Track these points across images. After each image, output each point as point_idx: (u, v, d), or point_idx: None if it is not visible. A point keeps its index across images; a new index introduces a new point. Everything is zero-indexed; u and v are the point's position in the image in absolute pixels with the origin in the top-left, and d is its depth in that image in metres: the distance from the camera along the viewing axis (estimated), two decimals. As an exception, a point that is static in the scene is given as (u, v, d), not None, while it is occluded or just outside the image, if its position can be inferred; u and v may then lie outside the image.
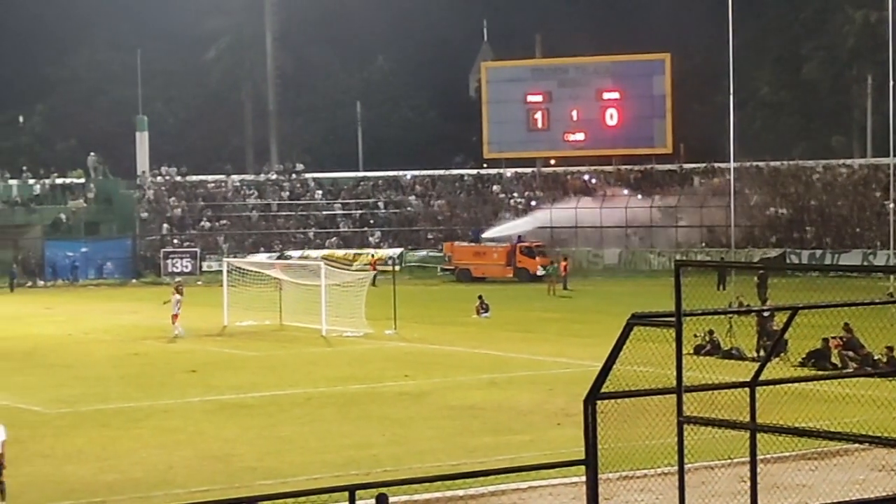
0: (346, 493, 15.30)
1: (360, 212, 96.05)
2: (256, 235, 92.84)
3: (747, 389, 16.69)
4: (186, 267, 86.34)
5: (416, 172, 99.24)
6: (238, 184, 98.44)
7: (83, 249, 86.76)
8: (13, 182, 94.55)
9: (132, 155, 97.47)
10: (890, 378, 33.92)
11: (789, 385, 20.06)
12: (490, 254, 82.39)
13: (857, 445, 21.30)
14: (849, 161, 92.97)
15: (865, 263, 78.86)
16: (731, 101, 64.90)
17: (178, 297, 52.46)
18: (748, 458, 16.74)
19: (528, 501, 22.82)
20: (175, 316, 51.89)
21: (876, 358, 38.02)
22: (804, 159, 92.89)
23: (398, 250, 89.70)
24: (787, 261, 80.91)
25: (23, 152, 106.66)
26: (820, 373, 35.17)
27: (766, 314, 40.57)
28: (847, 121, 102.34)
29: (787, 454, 23.86)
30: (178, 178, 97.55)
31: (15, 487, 23.91)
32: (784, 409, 21.48)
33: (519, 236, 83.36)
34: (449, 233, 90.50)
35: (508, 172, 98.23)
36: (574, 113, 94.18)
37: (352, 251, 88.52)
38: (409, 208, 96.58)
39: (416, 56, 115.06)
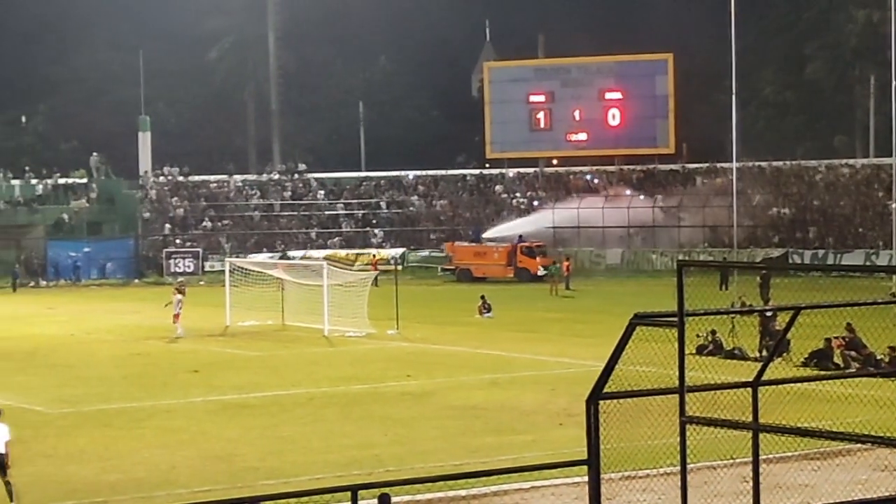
0: (349, 493, 15.31)
1: (362, 212, 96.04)
2: (259, 235, 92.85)
3: (750, 389, 16.69)
4: (189, 267, 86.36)
5: (419, 172, 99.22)
6: (240, 184, 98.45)
7: (86, 249, 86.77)
8: (16, 182, 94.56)
9: (135, 155, 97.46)
10: (892, 378, 33.89)
11: (792, 385, 20.07)
12: (491, 254, 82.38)
13: (859, 445, 21.31)
14: (851, 161, 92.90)
15: (868, 263, 78.81)
16: (733, 100, 65.06)
17: (179, 297, 52.43)
18: (751, 458, 16.74)
19: (531, 501, 22.81)
20: (176, 316, 51.86)
21: (878, 358, 38.02)
22: (807, 159, 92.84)
23: (400, 250, 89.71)
24: (790, 261, 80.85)
25: (25, 152, 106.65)
26: (822, 373, 35.13)
27: (768, 314, 40.53)
28: (850, 120, 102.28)
29: (789, 454, 23.85)
30: (181, 178, 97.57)
31: (17, 487, 23.94)
32: (786, 410, 21.47)
33: (520, 236, 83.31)
34: (451, 233, 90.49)
35: (511, 172, 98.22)
36: (577, 113, 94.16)
37: (353, 251, 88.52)
38: (411, 208, 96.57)
39: (418, 56, 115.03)
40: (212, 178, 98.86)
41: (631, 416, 16.89)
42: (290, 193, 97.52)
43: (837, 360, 39.29)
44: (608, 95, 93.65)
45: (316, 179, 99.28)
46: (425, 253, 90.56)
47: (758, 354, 40.22)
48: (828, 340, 39.37)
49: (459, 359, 44.78)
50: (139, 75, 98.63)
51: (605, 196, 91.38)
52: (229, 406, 35.45)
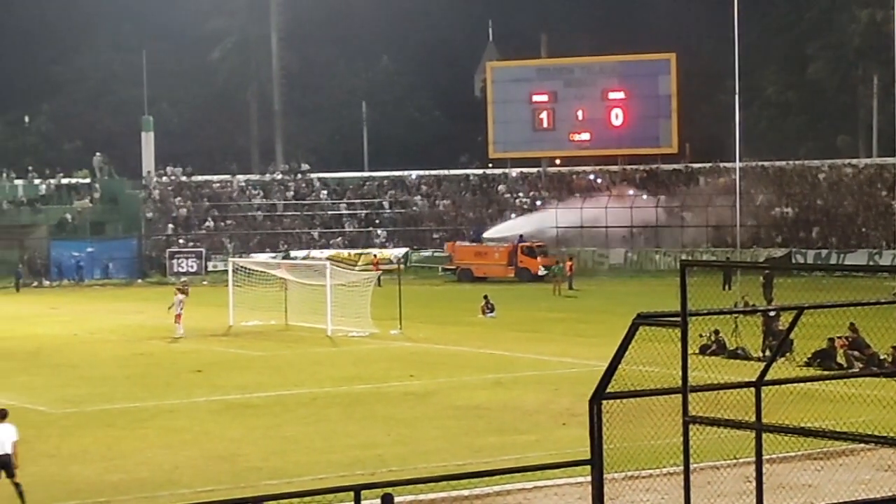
0: (352, 493, 15.31)
1: (365, 212, 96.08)
2: (262, 235, 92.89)
3: (753, 389, 16.68)
4: (192, 267, 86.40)
5: (422, 172, 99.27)
6: (243, 184, 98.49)
7: (89, 249, 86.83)
8: (19, 182, 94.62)
9: (138, 155, 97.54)
10: (896, 378, 33.86)
11: (795, 385, 20.05)
12: (491, 254, 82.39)
13: (862, 445, 21.29)
14: (854, 161, 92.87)
15: (871, 263, 78.80)
16: (736, 100, 65.03)
17: (181, 297, 52.41)
18: (754, 458, 16.74)
19: (534, 501, 22.81)
20: (178, 316, 51.81)
21: (882, 358, 37.99)
22: (810, 159, 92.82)
23: (403, 250, 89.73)
24: (793, 260, 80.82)
25: (28, 152, 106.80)
26: (825, 373, 35.11)
27: (771, 314, 40.53)
28: (853, 120, 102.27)
29: (792, 454, 23.83)
30: (184, 178, 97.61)
31: (23, 488, 23.94)
32: (790, 409, 21.44)
33: (520, 236, 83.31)
34: (454, 233, 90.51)
35: (514, 172, 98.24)
36: (579, 113, 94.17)
37: (355, 251, 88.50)
38: (414, 208, 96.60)
39: (421, 56, 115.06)
40: (215, 178, 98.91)
41: (634, 416, 16.89)
42: (292, 193, 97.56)
43: (841, 360, 39.26)
44: (611, 95, 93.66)
45: (319, 179, 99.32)
46: (428, 253, 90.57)
47: (761, 354, 40.20)
48: (831, 340, 39.33)
49: (462, 359, 44.77)
50: (142, 75, 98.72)
51: (608, 196, 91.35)
52: (232, 406, 35.45)
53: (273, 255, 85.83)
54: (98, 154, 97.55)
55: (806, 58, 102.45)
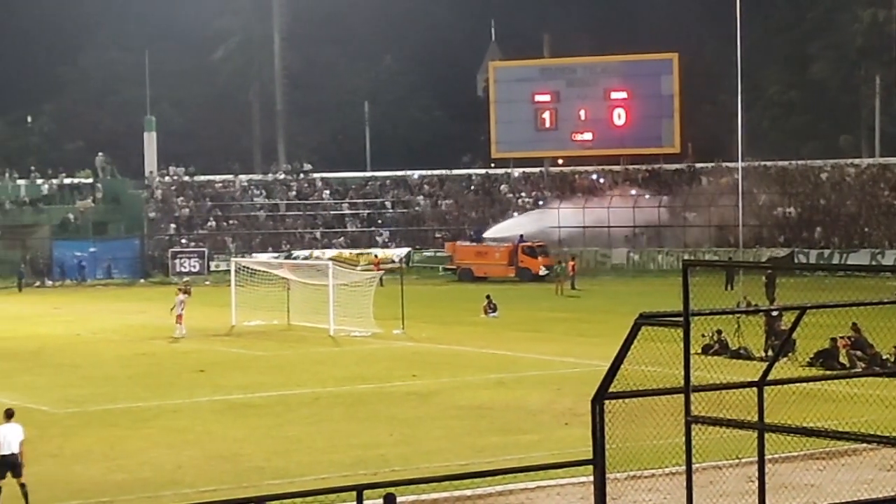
0: (354, 493, 15.32)
1: (367, 211, 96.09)
2: (264, 235, 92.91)
3: (755, 389, 16.69)
4: (194, 267, 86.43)
5: (424, 172, 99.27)
6: (246, 184, 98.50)
7: (91, 249, 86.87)
8: (21, 182, 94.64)
9: (140, 155, 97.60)
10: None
11: (797, 385, 20.07)
12: (492, 253, 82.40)
13: (865, 445, 21.29)
14: (857, 160, 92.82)
15: (873, 263, 78.75)
16: (739, 100, 64.88)
17: (182, 297, 52.40)
18: (756, 458, 16.75)
19: (536, 501, 22.81)
20: (179, 317, 51.78)
21: (884, 357, 37.98)
22: (812, 159, 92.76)
23: (405, 250, 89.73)
24: (796, 260, 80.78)
25: (31, 152, 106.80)
26: (828, 372, 35.09)
27: (774, 314, 40.52)
28: (855, 120, 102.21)
29: (795, 454, 23.83)
30: (186, 178, 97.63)
31: (18, 488, 23.96)
32: (792, 409, 21.45)
33: (521, 236, 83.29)
34: (457, 233, 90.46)
35: (516, 172, 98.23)
36: (582, 112, 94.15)
37: (356, 251, 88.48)
38: (416, 208, 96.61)
39: (423, 56, 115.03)
40: (217, 177, 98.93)
41: (636, 416, 16.90)
42: (295, 193, 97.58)
43: (843, 359, 39.25)
44: (613, 95, 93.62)
45: (321, 179, 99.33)
46: (430, 253, 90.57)
47: (763, 354, 40.20)
48: (833, 340, 39.33)
49: (465, 358, 44.78)
50: (145, 75, 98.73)
51: (611, 196, 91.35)
52: (235, 406, 35.48)
53: (276, 255, 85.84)
54: (100, 154, 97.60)
55: (808, 57, 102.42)
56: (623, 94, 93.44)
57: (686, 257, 73.44)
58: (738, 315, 41.92)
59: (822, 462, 23.84)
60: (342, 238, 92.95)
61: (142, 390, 38.32)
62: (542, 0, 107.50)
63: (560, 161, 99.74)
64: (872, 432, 18.22)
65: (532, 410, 33.60)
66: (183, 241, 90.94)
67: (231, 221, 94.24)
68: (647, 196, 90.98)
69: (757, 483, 16.91)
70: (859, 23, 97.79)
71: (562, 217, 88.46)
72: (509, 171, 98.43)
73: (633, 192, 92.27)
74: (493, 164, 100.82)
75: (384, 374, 41.10)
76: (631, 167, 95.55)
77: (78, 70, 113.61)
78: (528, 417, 32.66)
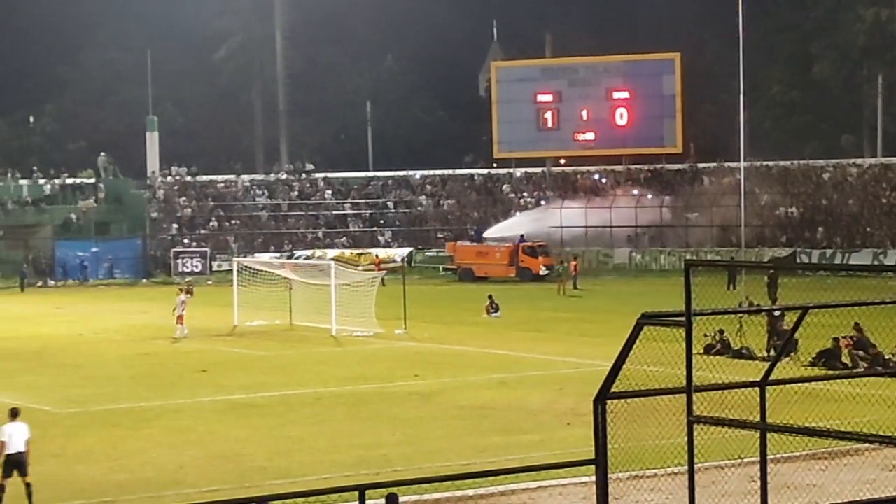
0: (356, 493, 15.32)
1: (369, 211, 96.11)
2: (266, 235, 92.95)
3: (757, 389, 16.68)
4: (196, 267, 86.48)
5: (426, 172, 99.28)
6: (248, 183, 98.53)
7: (93, 249, 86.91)
8: (24, 182, 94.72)
9: (142, 155, 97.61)
10: (900, 378, 33.83)
11: (799, 385, 20.05)
12: (493, 253, 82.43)
13: (867, 445, 21.28)
14: (859, 160, 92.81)
15: (875, 263, 78.77)
16: (741, 100, 64.88)
17: (183, 297, 52.38)
18: (758, 458, 16.74)
19: (538, 501, 22.81)
20: (180, 317, 51.75)
21: (886, 357, 37.99)
22: (814, 158, 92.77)
23: (407, 250, 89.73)
24: (798, 260, 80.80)
25: (33, 152, 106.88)
26: (830, 372, 35.10)
27: (776, 314, 40.51)
28: (857, 120, 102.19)
29: (797, 454, 23.83)
30: (189, 178, 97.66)
31: (23, 488, 23.98)
32: (794, 409, 21.44)
33: (521, 236, 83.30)
34: (459, 233, 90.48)
35: (518, 172, 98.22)
36: (584, 112, 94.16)
37: (357, 251, 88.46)
38: (418, 208, 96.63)
39: (425, 55, 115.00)
40: (219, 177, 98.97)
41: (638, 416, 16.90)
42: (297, 193, 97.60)
43: (845, 359, 39.25)
44: (615, 95, 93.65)
45: (323, 179, 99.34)
46: (433, 253, 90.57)
47: (765, 354, 40.18)
48: (836, 340, 39.33)
49: (467, 358, 44.78)
50: (147, 75, 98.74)
51: (613, 196, 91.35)
52: (237, 406, 35.48)
53: (278, 254, 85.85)
54: (103, 154, 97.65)
55: (811, 57, 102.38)
56: (625, 94, 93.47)
57: (688, 257, 73.42)
58: (741, 315, 41.92)
59: (825, 462, 23.84)
60: (344, 238, 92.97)
61: (144, 390, 38.33)
62: (544, 0, 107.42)
63: (562, 161, 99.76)
64: (875, 432, 18.21)
65: (534, 410, 33.60)
66: (185, 241, 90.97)
67: (233, 221, 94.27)
68: (649, 196, 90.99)
69: (759, 483, 16.90)
70: (861, 22, 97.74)
71: (564, 217, 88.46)
72: (511, 170, 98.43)
73: (636, 192, 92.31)
74: (495, 164, 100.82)
75: (386, 374, 41.10)
76: (633, 167, 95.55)
77: (79, 70, 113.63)
78: (530, 417, 32.65)
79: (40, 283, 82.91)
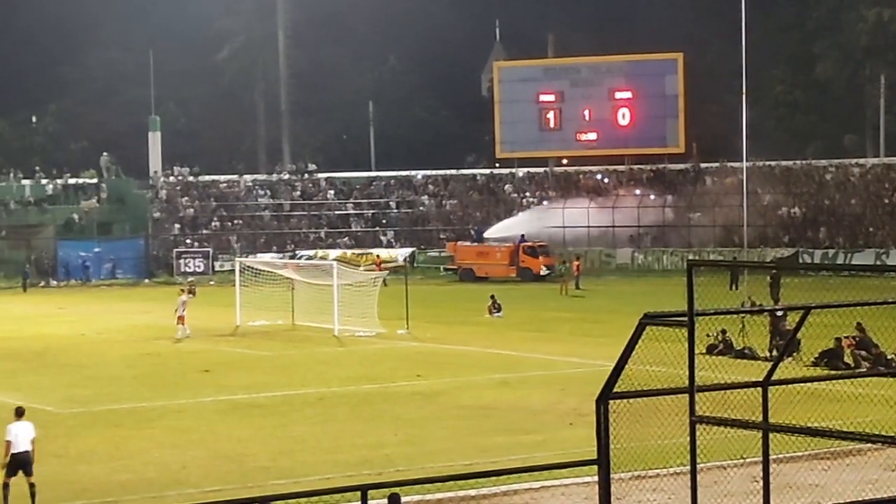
0: (359, 493, 15.32)
1: (372, 211, 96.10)
2: (268, 235, 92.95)
3: (760, 389, 16.68)
4: (199, 267, 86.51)
5: (428, 172, 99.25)
6: (250, 184, 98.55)
7: (96, 249, 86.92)
8: (26, 182, 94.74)
9: (145, 155, 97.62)
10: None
11: (802, 385, 20.05)
12: (493, 253, 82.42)
13: (869, 445, 21.26)
14: (862, 160, 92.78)
15: (878, 263, 78.74)
16: (743, 100, 64.83)
17: (184, 297, 52.38)
18: (761, 458, 16.74)
19: (541, 501, 22.81)
20: (181, 318, 51.74)
21: (889, 357, 37.97)
22: (817, 158, 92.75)
23: (410, 250, 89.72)
24: (800, 260, 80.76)
25: (35, 152, 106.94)
26: (833, 372, 35.10)
27: (778, 314, 40.50)
28: (860, 120, 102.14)
29: (799, 454, 23.81)
30: (191, 178, 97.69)
31: (27, 487, 23.98)
32: (797, 409, 21.45)
33: (522, 236, 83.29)
34: (461, 233, 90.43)
35: (520, 172, 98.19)
36: (586, 112, 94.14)
37: (359, 251, 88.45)
38: (421, 208, 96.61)
39: (427, 56, 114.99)
40: (222, 177, 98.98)
41: (641, 416, 16.89)
42: (299, 193, 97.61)
43: (848, 359, 39.25)
44: (618, 95, 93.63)
45: (326, 179, 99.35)
46: (435, 253, 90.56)
47: (768, 354, 40.17)
48: (838, 340, 39.33)
49: (469, 358, 44.78)
50: (149, 75, 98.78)
51: (615, 196, 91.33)
52: (240, 406, 35.49)
53: (280, 254, 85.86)
54: (105, 154, 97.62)
55: (813, 57, 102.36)
56: (627, 94, 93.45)
57: (691, 257, 73.39)
58: (743, 315, 41.92)
59: (827, 462, 23.83)
60: (346, 238, 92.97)
61: (146, 390, 38.34)
62: (546, 0, 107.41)
63: (564, 161, 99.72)
64: (877, 432, 18.19)
65: (536, 410, 33.61)
66: (187, 241, 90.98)
67: (235, 221, 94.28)
68: (651, 196, 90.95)
69: (761, 483, 16.90)
70: (864, 22, 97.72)
71: (566, 217, 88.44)
72: (514, 171, 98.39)
73: (638, 192, 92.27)
74: (497, 164, 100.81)
75: (389, 374, 41.11)
76: (635, 167, 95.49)
77: (82, 70, 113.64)
78: (532, 417, 32.65)
79: (43, 284, 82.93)
